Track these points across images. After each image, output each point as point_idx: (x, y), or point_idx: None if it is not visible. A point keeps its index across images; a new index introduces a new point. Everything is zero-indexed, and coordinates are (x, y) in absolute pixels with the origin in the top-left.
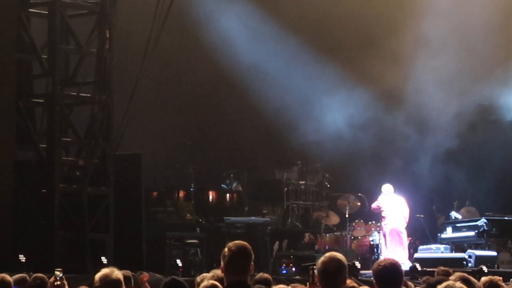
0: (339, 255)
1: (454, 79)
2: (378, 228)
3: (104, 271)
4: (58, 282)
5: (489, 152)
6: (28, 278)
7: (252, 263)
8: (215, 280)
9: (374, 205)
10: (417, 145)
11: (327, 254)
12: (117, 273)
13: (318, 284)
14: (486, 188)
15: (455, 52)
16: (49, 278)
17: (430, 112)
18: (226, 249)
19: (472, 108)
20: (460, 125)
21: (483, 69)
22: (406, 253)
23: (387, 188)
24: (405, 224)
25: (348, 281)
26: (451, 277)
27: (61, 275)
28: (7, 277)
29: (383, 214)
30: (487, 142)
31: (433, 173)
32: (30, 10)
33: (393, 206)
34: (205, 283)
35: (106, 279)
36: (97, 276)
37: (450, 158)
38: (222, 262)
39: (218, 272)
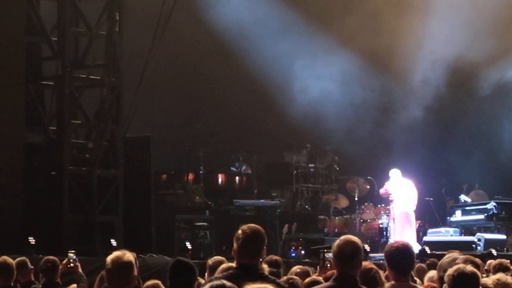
0: (355, 238)
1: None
2: (387, 211)
3: (116, 253)
4: (72, 264)
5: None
6: (28, 261)
7: (265, 247)
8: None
9: (381, 190)
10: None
11: (343, 237)
12: (129, 255)
13: (329, 267)
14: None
15: (440, 15)
16: (60, 260)
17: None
18: (240, 231)
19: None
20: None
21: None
22: (414, 236)
23: (394, 173)
24: (414, 207)
25: (366, 263)
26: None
27: (74, 257)
28: (8, 259)
29: (390, 197)
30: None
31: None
32: None
33: (400, 189)
34: (223, 265)
35: (118, 261)
36: (109, 258)
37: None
38: (235, 244)
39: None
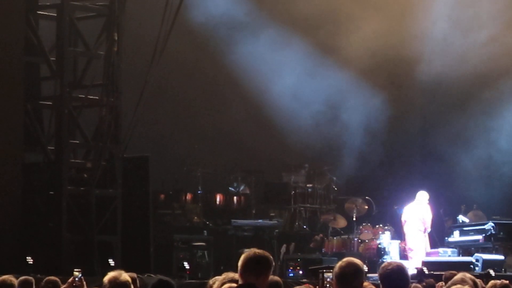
0: (357, 260)
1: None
2: (387, 230)
3: (112, 273)
4: (77, 283)
5: None
6: (33, 280)
7: (270, 271)
8: (227, 281)
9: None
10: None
11: (345, 259)
12: (125, 276)
13: (328, 287)
14: None
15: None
16: (61, 280)
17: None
18: (245, 254)
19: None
20: None
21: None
22: (418, 257)
23: (419, 196)
24: (423, 230)
25: (366, 283)
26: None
27: (80, 275)
28: (12, 279)
29: (403, 218)
30: None
31: None
32: (38, 12)
33: (412, 213)
34: (225, 286)
35: (115, 281)
36: (106, 278)
37: None
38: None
39: (230, 274)
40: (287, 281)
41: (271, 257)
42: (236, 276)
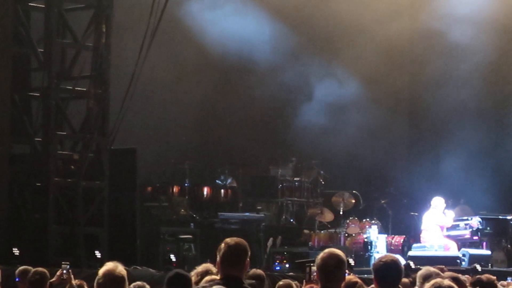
0: (338, 251)
1: None
2: (374, 224)
3: (108, 266)
4: (65, 276)
5: None
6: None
7: (248, 259)
8: (204, 273)
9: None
10: None
11: (326, 250)
12: (121, 269)
13: (314, 281)
14: None
15: None
16: (48, 271)
17: None
18: (222, 244)
19: None
20: None
21: None
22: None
23: (434, 202)
24: (442, 234)
25: (351, 276)
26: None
27: (68, 267)
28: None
29: (422, 227)
30: None
31: None
32: (29, 4)
33: (429, 220)
34: (206, 278)
35: (109, 275)
36: (101, 271)
37: None
38: (218, 256)
39: (208, 265)
40: (273, 274)
41: (246, 243)
42: (213, 267)
